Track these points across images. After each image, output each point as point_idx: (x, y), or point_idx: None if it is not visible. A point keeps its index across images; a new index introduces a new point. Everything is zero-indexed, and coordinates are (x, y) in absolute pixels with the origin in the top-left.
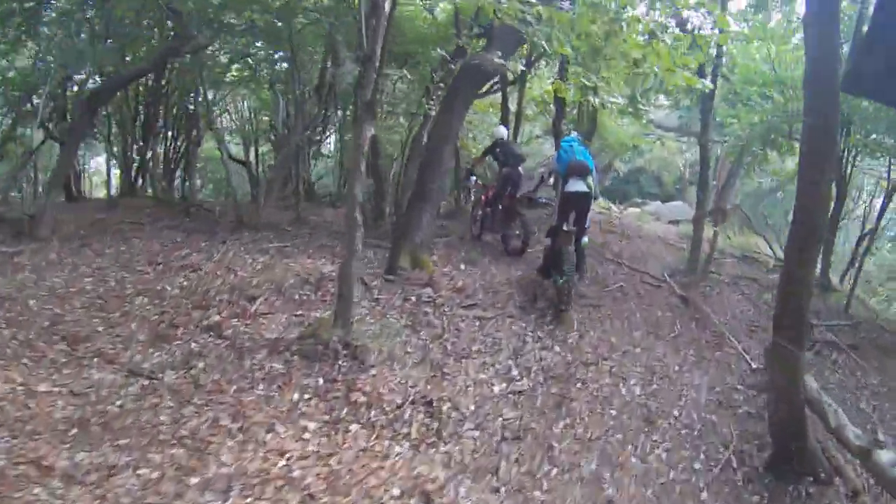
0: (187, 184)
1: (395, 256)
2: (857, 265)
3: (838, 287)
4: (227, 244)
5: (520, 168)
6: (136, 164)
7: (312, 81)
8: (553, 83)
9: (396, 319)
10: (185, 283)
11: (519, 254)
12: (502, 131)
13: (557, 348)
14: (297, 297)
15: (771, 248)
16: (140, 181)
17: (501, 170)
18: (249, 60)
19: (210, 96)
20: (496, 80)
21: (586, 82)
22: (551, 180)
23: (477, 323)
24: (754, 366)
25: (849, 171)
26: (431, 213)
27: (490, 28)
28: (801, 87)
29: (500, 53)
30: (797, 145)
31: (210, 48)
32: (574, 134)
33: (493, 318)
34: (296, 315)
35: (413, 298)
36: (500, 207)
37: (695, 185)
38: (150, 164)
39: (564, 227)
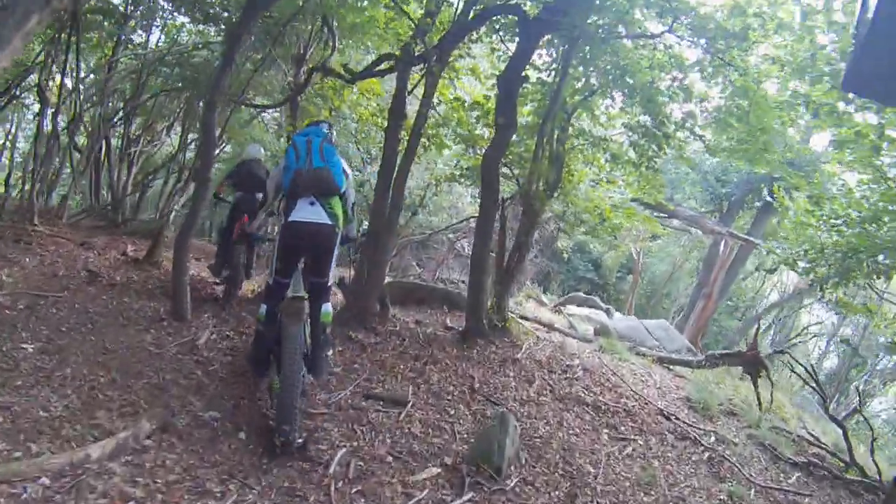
0: None
1: None
2: None
3: None
4: None
5: (258, 194)
6: None
7: None
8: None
9: None
10: None
11: (221, 304)
12: (253, 150)
13: None
14: None
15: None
16: None
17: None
18: None
19: None
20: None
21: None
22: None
23: None
24: None
25: None
26: None
27: None
28: None
29: None
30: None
31: None
32: (322, 126)
33: None
34: None
35: None
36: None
37: (647, 282)
38: None
39: (289, 291)
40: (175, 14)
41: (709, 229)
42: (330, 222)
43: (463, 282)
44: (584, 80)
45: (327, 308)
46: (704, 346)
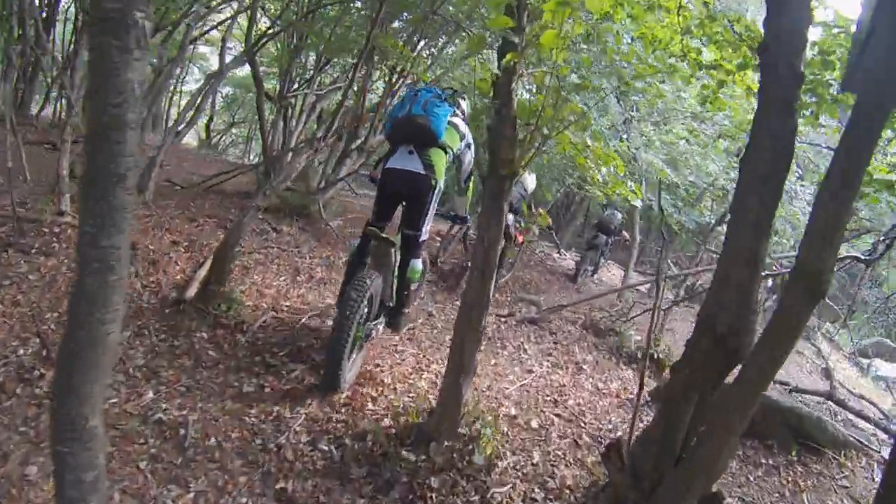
0: None
1: None
2: None
3: None
4: None
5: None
6: None
7: None
8: None
9: None
10: None
11: None
12: None
13: None
14: None
15: None
16: None
17: None
18: None
19: None
20: None
21: None
22: None
23: None
24: None
25: None
26: None
27: None
28: None
29: None
30: None
31: None
32: (439, 90)
33: None
34: None
35: None
36: None
37: None
38: None
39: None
40: None
41: None
42: (423, 172)
43: None
44: None
45: (416, 265)
46: None
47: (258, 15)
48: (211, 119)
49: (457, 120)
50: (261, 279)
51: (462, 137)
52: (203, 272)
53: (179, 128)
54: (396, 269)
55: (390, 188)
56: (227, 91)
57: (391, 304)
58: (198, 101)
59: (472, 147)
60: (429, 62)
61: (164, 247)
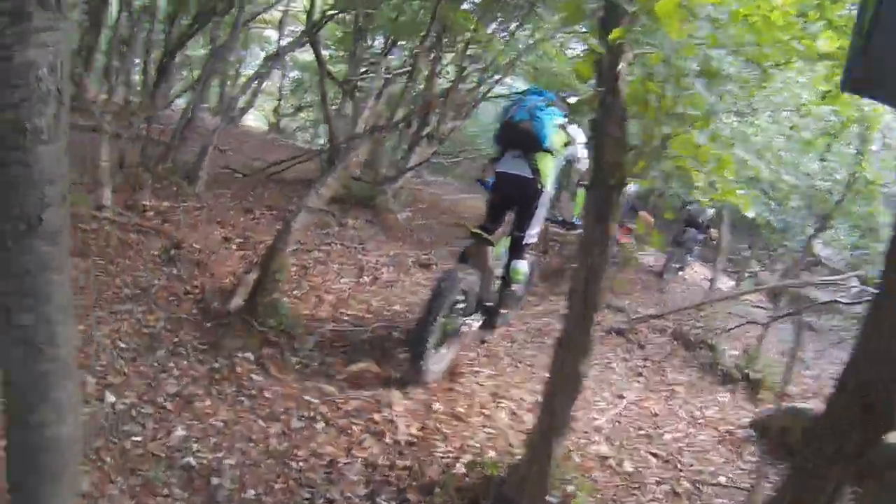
0: None
1: None
2: None
3: None
4: None
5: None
6: None
7: None
8: None
9: None
10: None
11: None
12: None
13: None
14: None
15: None
16: None
17: None
18: None
19: None
20: None
21: None
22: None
23: None
24: None
25: None
26: None
27: None
28: None
29: None
30: None
31: None
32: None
33: None
34: None
35: None
36: None
37: None
38: None
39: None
40: None
41: None
42: (530, 176)
43: None
44: None
45: (518, 265)
46: None
47: None
48: (279, 103)
49: (566, 122)
50: (320, 281)
51: (571, 142)
52: (253, 277)
53: (234, 112)
54: (502, 269)
55: (500, 192)
56: (293, 75)
57: (490, 304)
58: (254, 84)
59: (585, 152)
60: (501, 46)
61: (212, 244)
